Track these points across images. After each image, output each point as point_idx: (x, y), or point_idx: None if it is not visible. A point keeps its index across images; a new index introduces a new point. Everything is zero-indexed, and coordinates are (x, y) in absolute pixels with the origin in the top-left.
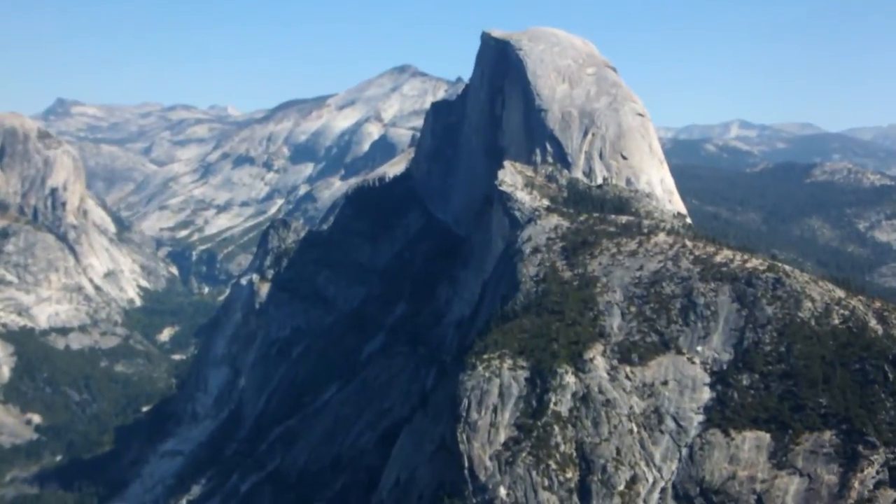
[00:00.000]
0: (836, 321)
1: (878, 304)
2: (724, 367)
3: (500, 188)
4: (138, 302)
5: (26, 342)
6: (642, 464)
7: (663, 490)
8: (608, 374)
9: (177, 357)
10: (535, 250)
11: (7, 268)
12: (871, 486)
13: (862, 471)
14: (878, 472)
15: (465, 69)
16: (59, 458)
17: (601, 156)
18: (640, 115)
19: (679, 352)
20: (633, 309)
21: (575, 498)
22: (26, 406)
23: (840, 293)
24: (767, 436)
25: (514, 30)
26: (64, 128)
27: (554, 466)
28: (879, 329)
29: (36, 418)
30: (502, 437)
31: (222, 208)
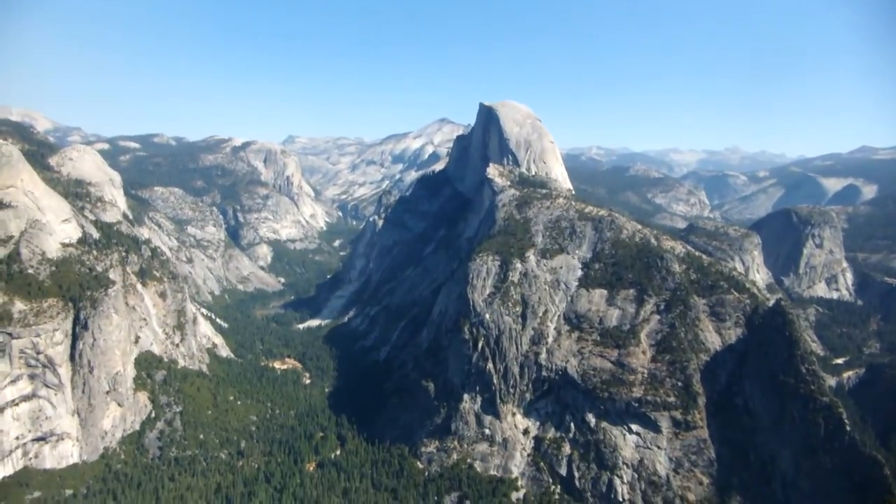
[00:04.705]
0: (637, 239)
1: (655, 232)
2: (588, 260)
3: (488, 176)
4: (325, 228)
5: (277, 246)
6: (549, 303)
7: (558, 316)
8: (536, 263)
9: (342, 253)
10: (503, 205)
11: (268, 213)
12: (648, 313)
13: (644, 306)
14: (651, 309)
15: (471, 118)
16: (292, 297)
17: (534, 161)
18: (552, 141)
19: (568, 253)
20: (547, 233)
21: (520, 320)
22: (278, 274)
23: (640, 226)
24: (606, 291)
25: (494, 100)
26: (291, 147)
27: (510, 305)
28: (656, 242)
29: (282, 279)
30: (487, 291)
31: (362, 185)
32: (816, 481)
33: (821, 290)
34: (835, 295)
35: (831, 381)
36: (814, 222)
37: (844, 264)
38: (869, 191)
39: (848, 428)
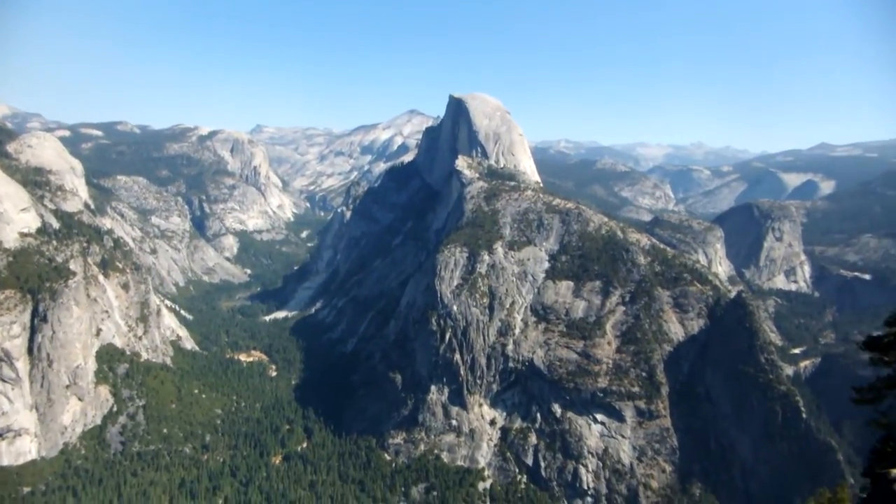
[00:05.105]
0: (604, 232)
1: (622, 225)
2: (555, 252)
3: (457, 168)
4: (292, 219)
5: (243, 237)
6: (517, 295)
7: (525, 307)
8: (503, 255)
9: (310, 244)
10: (472, 197)
11: (235, 203)
12: (613, 305)
13: (610, 298)
14: (616, 300)
15: (441, 109)
16: (258, 289)
17: (502, 154)
18: (521, 134)
19: (535, 245)
20: (515, 225)
21: (487, 311)
22: (244, 265)
23: (606, 219)
24: (572, 283)
25: (464, 92)
26: (259, 137)
27: (478, 296)
28: (622, 235)
29: (249, 270)
30: (455, 283)
31: (330, 176)
32: (773, 467)
33: (780, 281)
34: (793, 287)
35: (789, 371)
36: (774, 216)
37: (803, 257)
38: (827, 186)
39: (804, 415)
